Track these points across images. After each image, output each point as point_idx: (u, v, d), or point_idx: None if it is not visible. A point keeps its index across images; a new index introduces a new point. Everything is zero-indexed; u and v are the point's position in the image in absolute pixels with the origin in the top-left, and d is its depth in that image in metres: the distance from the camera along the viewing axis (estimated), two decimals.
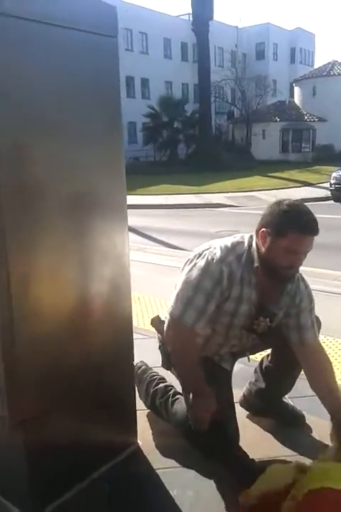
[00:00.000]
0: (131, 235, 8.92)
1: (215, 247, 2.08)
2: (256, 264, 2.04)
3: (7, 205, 1.66)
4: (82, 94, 1.92)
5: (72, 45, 1.85)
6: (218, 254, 2.04)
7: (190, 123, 30.01)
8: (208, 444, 2.09)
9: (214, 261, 2.01)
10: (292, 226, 1.92)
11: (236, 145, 33.32)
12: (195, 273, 2.02)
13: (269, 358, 2.51)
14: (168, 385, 2.54)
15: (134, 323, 2.41)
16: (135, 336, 2.31)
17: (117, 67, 2.09)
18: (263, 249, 2.01)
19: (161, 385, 2.55)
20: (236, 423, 2.21)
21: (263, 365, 2.52)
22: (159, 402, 2.48)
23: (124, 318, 2.21)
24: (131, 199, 14.98)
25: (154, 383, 2.57)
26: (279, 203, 1.99)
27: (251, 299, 2.09)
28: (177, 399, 2.40)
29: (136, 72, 33.49)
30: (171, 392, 2.48)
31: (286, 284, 2.12)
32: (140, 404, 2.57)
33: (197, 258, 2.08)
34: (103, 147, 2.03)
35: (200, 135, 28.81)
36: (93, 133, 1.98)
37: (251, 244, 2.08)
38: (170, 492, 2.05)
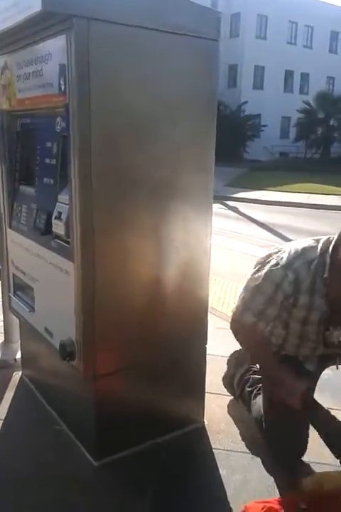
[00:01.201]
0: (264, 232, 9.10)
1: (284, 251, 2.07)
2: (325, 275, 1.97)
3: (98, 188, 1.94)
4: (182, 92, 2.12)
5: (178, 48, 2.06)
6: (284, 259, 2.02)
7: None
8: (277, 447, 2.16)
9: (279, 266, 2.00)
10: None
11: None
12: (258, 276, 2.05)
13: None
14: (259, 378, 2.58)
15: None
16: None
17: (217, 69, 2.23)
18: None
19: (254, 376, 2.62)
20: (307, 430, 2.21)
21: None
22: (247, 390, 2.58)
23: (200, 302, 2.37)
24: (272, 195, 14.89)
25: (248, 373, 2.66)
26: None
27: (321, 309, 2.04)
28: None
29: (297, 66, 32.57)
30: (260, 384, 2.53)
31: None
32: (213, 387, 2.73)
33: (265, 260, 2.10)
34: (193, 142, 2.20)
35: None
36: (186, 129, 2.16)
37: (326, 251, 1.99)
38: (220, 471, 2.17)
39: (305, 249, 2.03)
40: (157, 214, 2.15)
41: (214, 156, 2.28)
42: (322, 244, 2.03)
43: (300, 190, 16.24)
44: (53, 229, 2.14)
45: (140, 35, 1.93)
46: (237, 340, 2.26)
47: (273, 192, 15.61)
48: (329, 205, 13.52)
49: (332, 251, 1.98)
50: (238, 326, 2.15)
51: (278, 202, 13.43)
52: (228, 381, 2.76)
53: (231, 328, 2.20)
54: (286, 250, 2.06)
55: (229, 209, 12.21)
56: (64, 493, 2.04)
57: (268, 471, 2.18)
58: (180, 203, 2.19)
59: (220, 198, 13.87)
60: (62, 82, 1.94)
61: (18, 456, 2.26)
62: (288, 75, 33.05)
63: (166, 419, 2.38)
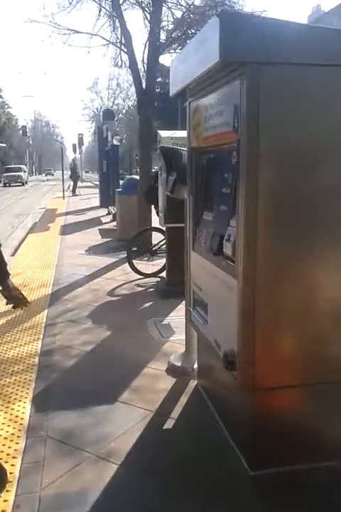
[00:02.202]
0: None
1: None
2: None
3: (263, 213, 2.14)
4: None
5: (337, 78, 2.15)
6: None
7: None
8: None
9: None
10: None
11: None
12: None
13: None
14: None
15: None
16: None
17: None
18: None
19: None
20: None
21: None
22: None
23: None
24: None
25: None
26: None
27: None
28: None
29: None
30: None
31: None
32: None
33: None
34: None
35: None
36: None
37: None
38: None
39: None
40: (328, 235, 2.24)
41: None
42: None
43: None
44: (224, 250, 2.40)
45: (304, 71, 2.08)
46: None
47: None
48: None
49: None
50: None
51: None
52: None
53: None
54: None
55: None
56: (218, 495, 2.22)
57: None
58: None
59: None
60: (235, 121, 2.21)
61: (182, 454, 2.53)
62: None
63: (332, 445, 2.35)
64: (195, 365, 3.39)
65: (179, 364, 3.50)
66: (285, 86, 2.10)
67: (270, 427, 2.30)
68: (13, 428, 2.75)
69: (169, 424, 2.82)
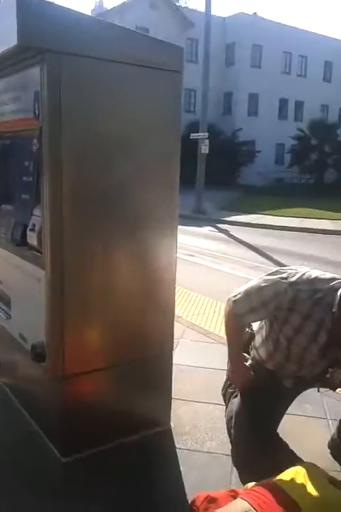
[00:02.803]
0: (252, 254, 9.30)
1: (299, 272, 2.12)
2: (334, 310, 1.98)
3: (68, 204, 2.15)
4: (147, 117, 2.34)
5: (143, 79, 2.29)
6: (294, 278, 2.09)
7: None
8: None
9: (286, 280, 2.09)
10: None
11: None
12: (267, 278, 2.17)
13: None
14: None
15: None
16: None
17: (180, 96, 2.45)
18: None
19: None
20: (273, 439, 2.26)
21: None
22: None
23: (167, 309, 2.57)
24: (265, 219, 15.10)
25: None
26: None
27: (312, 336, 2.09)
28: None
29: (291, 94, 33.22)
30: None
31: None
32: (181, 394, 2.91)
33: (280, 271, 2.19)
34: (158, 166, 2.43)
35: None
36: (152, 150, 2.37)
37: (335, 289, 2.01)
38: (181, 468, 2.33)
39: (317, 279, 2.09)
40: (125, 227, 2.36)
41: (178, 173, 2.49)
42: (337, 283, 2.06)
43: (293, 214, 16.49)
44: (28, 240, 2.33)
45: (107, 67, 2.16)
46: (224, 318, 2.37)
47: (266, 216, 15.84)
48: (322, 229, 13.72)
49: None
50: (228, 309, 2.26)
51: (271, 226, 13.61)
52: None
53: (225, 307, 2.30)
54: (301, 272, 2.15)
55: (220, 231, 12.47)
56: (32, 485, 2.19)
57: (227, 472, 2.32)
58: (147, 216, 2.40)
59: (212, 221, 14.15)
60: (36, 107, 2.15)
61: None
62: (283, 103, 33.67)
63: (133, 420, 2.54)
64: None
65: None
66: (84, 78, 2.13)
67: (78, 413, 2.35)
68: None
69: None
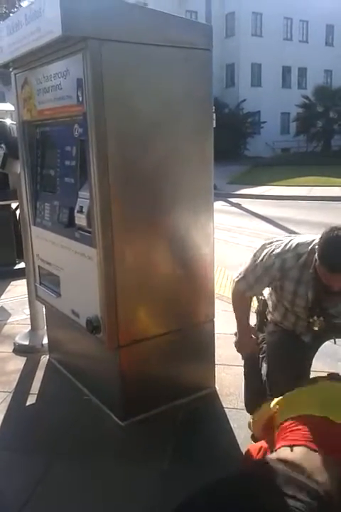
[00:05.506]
0: (266, 225, 9.36)
1: (283, 242, 2.33)
2: (310, 270, 2.19)
3: (114, 183, 2.27)
4: (181, 96, 2.44)
5: (176, 59, 2.39)
6: (279, 249, 2.29)
7: None
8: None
9: (272, 253, 2.30)
10: (323, 261, 2.05)
11: None
12: (257, 255, 2.37)
13: None
14: None
15: None
16: None
17: (210, 73, 2.54)
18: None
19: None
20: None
21: None
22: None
23: (208, 280, 2.70)
24: (275, 190, 15.12)
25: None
26: (331, 230, 2.06)
27: (306, 297, 2.29)
28: None
29: (294, 61, 32.74)
30: None
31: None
32: (223, 359, 3.09)
33: (267, 245, 2.38)
34: (194, 143, 2.53)
35: None
36: (186, 127, 2.48)
37: (315, 250, 2.15)
38: (231, 424, 2.50)
39: (298, 245, 2.27)
40: (165, 203, 2.48)
41: (212, 148, 2.60)
42: (314, 243, 2.20)
43: (301, 183, 16.48)
44: (77, 221, 2.46)
45: (145, 50, 2.26)
46: (231, 296, 2.57)
47: (275, 187, 15.86)
48: (332, 196, 13.74)
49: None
50: (232, 289, 2.50)
51: (281, 196, 13.69)
52: None
53: (231, 288, 2.53)
54: (284, 242, 2.34)
55: (232, 205, 12.51)
56: (97, 449, 2.36)
57: None
58: (185, 192, 2.52)
59: (223, 196, 14.16)
60: (79, 94, 2.26)
61: (53, 425, 2.59)
62: (286, 70, 33.22)
63: (182, 384, 2.71)
64: (44, 341, 3.39)
65: (26, 343, 3.45)
66: (124, 62, 2.23)
67: (133, 379, 2.53)
68: None
69: (31, 399, 2.82)
